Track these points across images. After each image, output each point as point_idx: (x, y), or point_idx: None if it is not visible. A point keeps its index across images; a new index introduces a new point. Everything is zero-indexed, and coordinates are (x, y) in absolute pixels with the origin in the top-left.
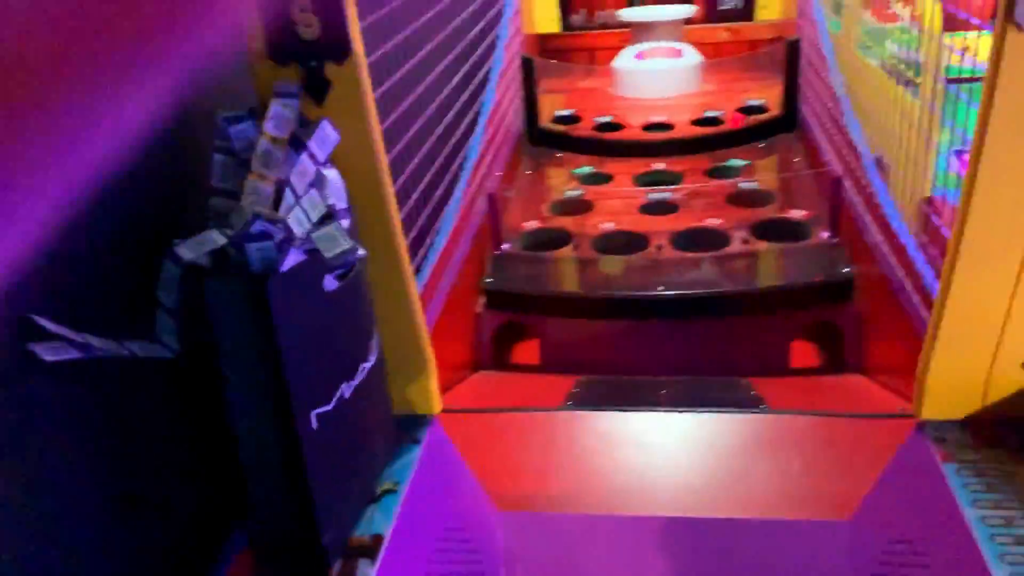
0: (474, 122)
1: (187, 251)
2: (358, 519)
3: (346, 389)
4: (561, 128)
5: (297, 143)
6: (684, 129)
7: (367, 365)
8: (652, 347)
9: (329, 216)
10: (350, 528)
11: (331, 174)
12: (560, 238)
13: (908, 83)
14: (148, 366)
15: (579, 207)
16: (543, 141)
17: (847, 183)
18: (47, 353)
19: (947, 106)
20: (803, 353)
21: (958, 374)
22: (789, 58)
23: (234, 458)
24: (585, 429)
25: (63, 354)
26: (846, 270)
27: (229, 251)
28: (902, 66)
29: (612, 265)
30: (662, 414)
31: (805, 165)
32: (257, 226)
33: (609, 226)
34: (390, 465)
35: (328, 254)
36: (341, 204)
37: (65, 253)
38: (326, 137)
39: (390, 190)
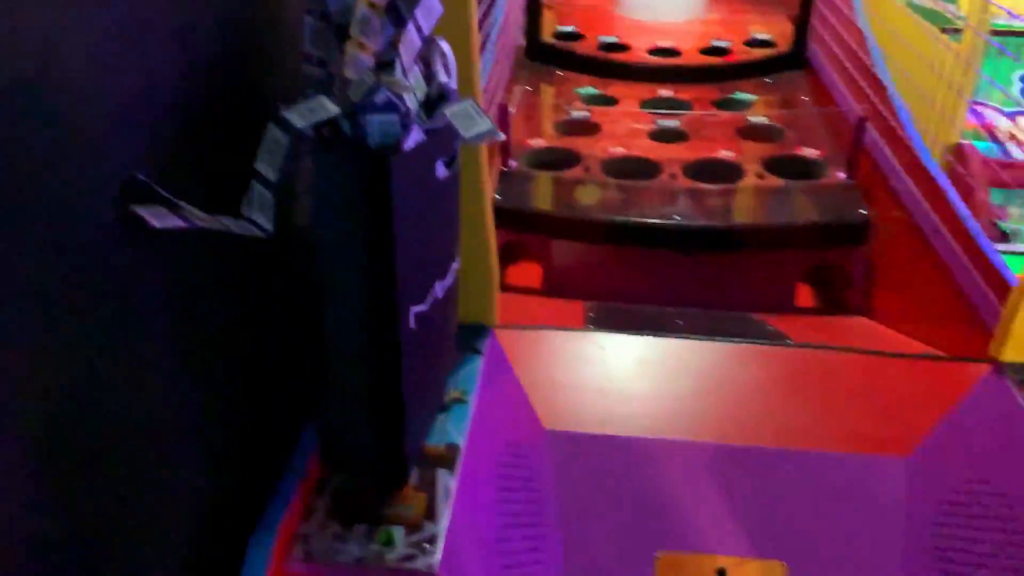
0: (487, 34)
1: (297, 118)
2: (431, 426)
3: (439, 289)
4: (563, 45)
5: (395, 12)
6: (691, 57)
7: (455, 265)
8: (658, 276)
9: (442, 96)
10: (425, 435)
11: (445, 47)
12: (568, 159)
13: (946, 29)
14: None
15: (586, 128)
16: (543, 57)
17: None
18: (153, 219)
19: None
20: (805, 292)
21: None
22: None
23: (309, 352)
24: (620, 351)
25: (167, 222)
26: (863, 212)
27: (341, 122)
28: (941, 11)
29: (624, 190)
30: (699, 342)
31: (813, 103)
32: (382, 96)
33: (619, 150)
34: (455, 374)
35: (466, 133)
36: (453, 83)
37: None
38: (431, 8)
39: (479, 78)
